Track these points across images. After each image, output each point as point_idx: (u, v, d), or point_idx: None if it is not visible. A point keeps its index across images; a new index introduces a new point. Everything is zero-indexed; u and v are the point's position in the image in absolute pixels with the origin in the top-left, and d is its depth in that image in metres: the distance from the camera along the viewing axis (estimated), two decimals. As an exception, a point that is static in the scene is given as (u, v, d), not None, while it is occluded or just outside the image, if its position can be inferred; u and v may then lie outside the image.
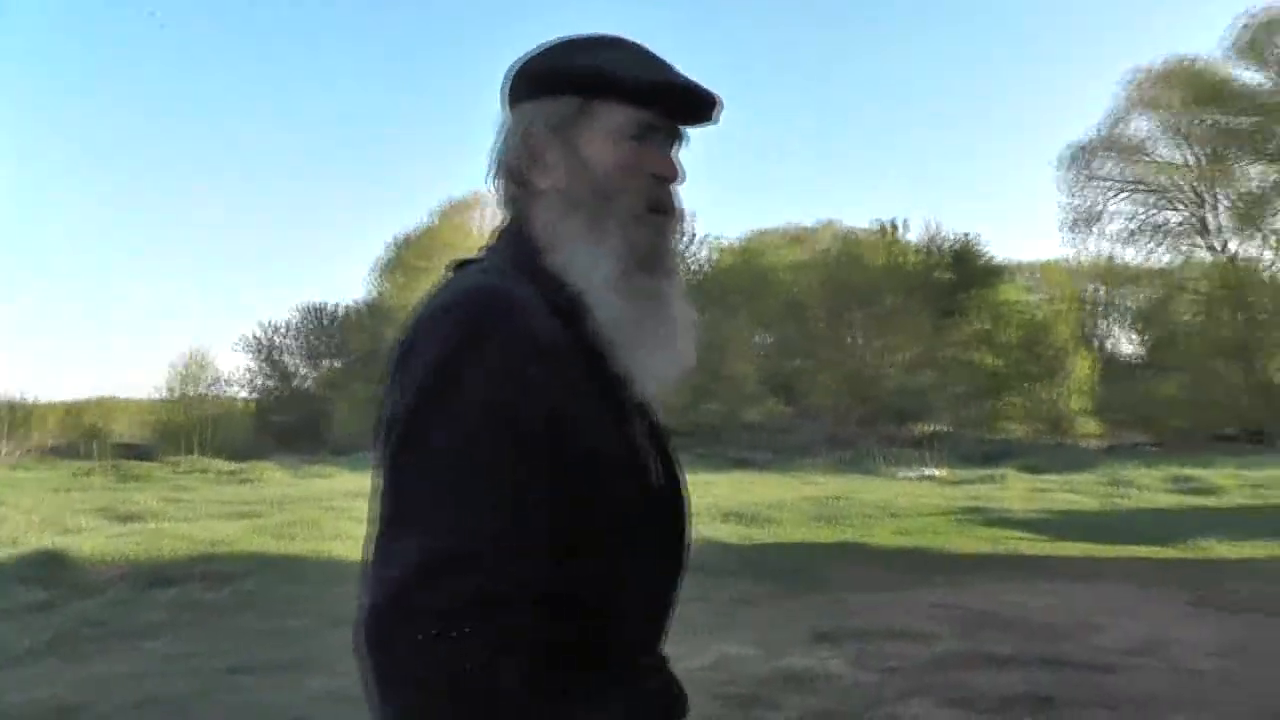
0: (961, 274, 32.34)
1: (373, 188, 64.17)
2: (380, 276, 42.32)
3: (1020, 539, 10.99)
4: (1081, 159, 33.97)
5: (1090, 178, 33.95)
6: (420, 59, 61.76)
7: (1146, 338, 36.11)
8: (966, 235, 33.70)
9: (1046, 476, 17.72)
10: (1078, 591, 8.19)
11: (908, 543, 11.21)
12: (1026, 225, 69.88)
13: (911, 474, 18.81)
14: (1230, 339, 30.83)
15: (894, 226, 34.42)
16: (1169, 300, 33.51)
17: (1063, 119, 69.27)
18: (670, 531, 1.29)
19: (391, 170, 63.14)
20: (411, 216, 64.51)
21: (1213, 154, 31.85)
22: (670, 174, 1.33)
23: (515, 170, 1.32)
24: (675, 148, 1.35)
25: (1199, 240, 33.19)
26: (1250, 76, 31.36)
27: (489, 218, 41.53)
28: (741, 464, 21.92)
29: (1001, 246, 38.31)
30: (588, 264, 1.24)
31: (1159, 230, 33.47)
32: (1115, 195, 33.85)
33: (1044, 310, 33.50)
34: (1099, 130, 33.89)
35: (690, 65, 1.38)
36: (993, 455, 22.86)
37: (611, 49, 1.33)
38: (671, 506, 1.29)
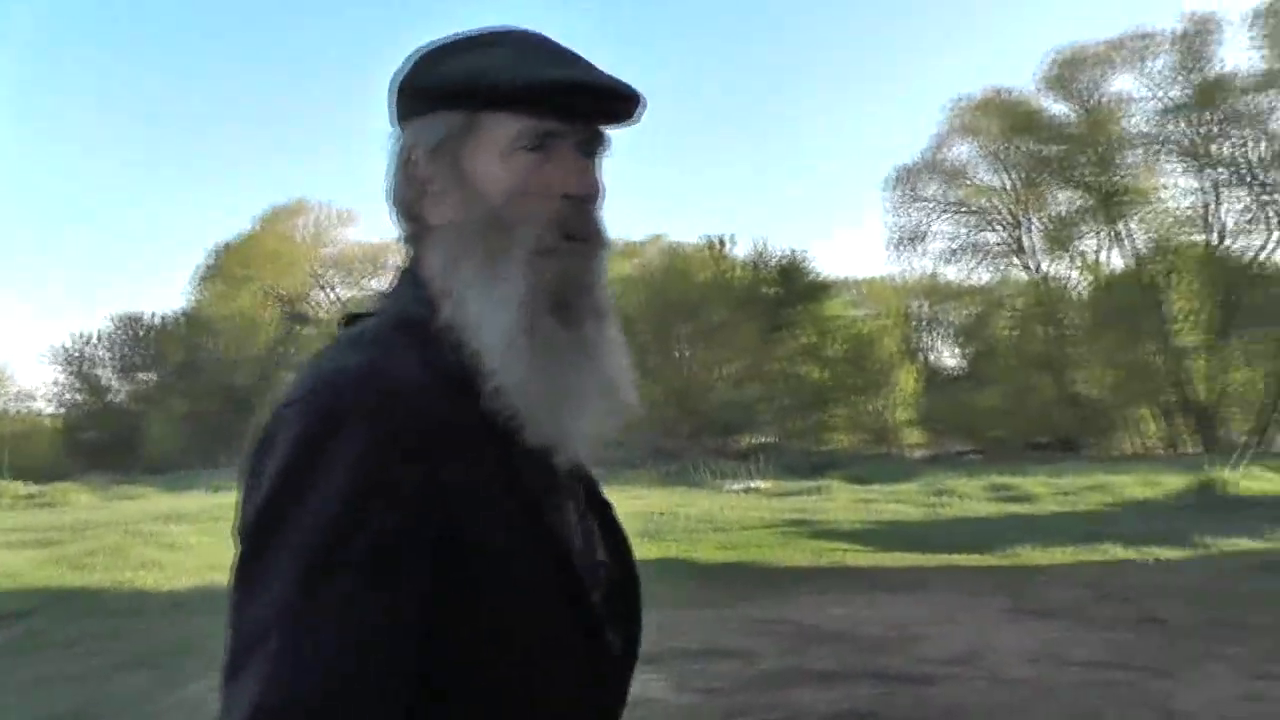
0: (788, 289, 32.91)
1: (197, 193, 61.56)
2: (199, 285, 40.56)
3: (845, 550, 11.08)
4: (907, 181, 35.28)
5: (915, 199, 35.27)
6: (245, 60, 59.60)
7: (967, 351, 37.68)
8: (793, 251, 34.39)
9: (871, 487, 18.08)
10: (901, 602, 8.25)
11: (732, 557, 11.14)
12: (855, 243, 72.25)
13: (737, 486, 18.83)
14: (1042, 353, 32.44)
15: (722, 242, 34.89)
16: (987, 316, 35.13)
17: (890, 142, 71.90)
18: (600, 662, 1.08)
19: (217, 176, 60.72)
20: (238, 224, 62.03)
21: (1027, 179, 33.47)
22: (583, 190, 1.09)
23: (405, 204, 1.12)
24: (595, 157, 1.12)
25: (1015, 260, 34.89)
26: (1059, 108, 33.18)
27: (313, 225, 40.35)
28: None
29: (829, 263, 39.58)
30: (483, 316, 1.04)
31: (979, 250, 34.98)
32: (938, 216, 35.24)
33: (870, 325, 34.42)
34: (923, 154, 35.30)
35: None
36: (819, 467, 23.21)
37: (491, 47, 1.10)
38: (602, 631, 1.08)
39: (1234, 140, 31.02)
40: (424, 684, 0.95)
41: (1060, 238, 33.17)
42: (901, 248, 35.83)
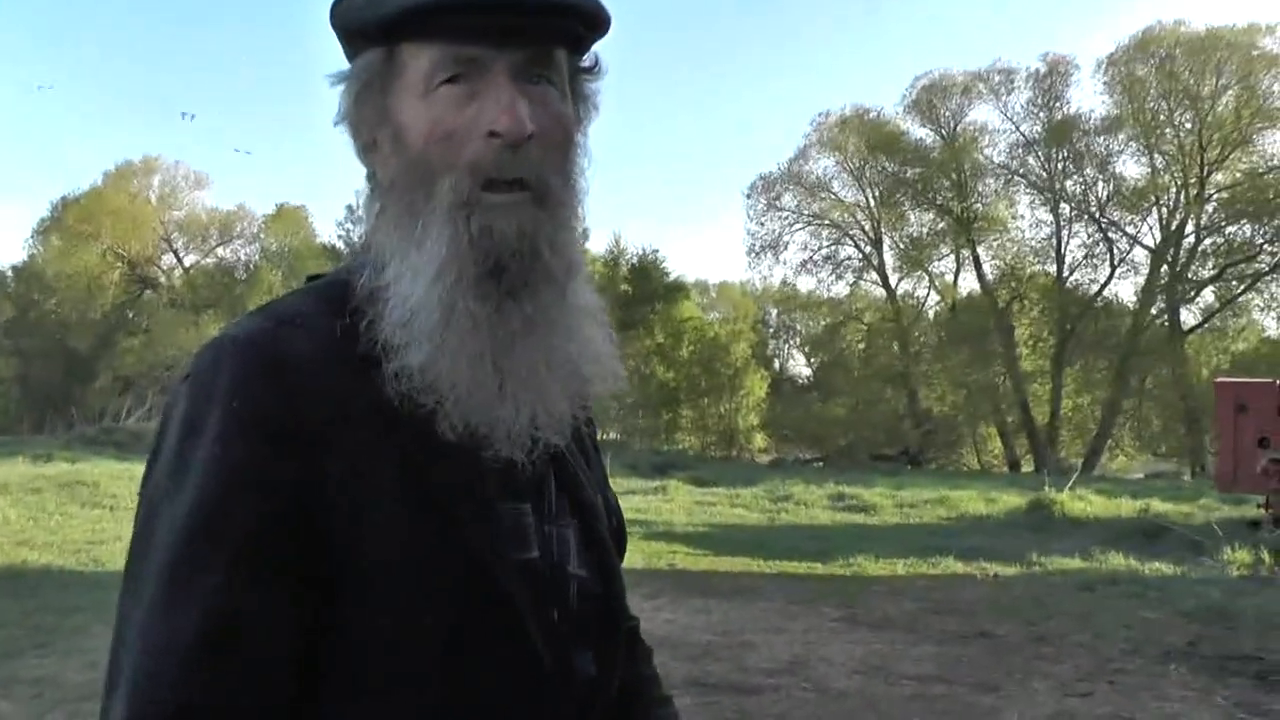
0: (642, 288, 32.78)
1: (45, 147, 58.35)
2: (38, 239, 37.99)
3: (680, 553, 10.84)
4: (768, 189, 35.72)
5: (774, 208, 35.72)
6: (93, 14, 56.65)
7: (817, 361, 38.34)
8: (649, 251, 34.32)
9: (713, 489, 17.93)
10: (733, 609, 8.02)
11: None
12: (711, 247, 73.02)
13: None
14: (891, 367, 33.30)
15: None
16: (839, 328, 35.73)
17: (753, 151, 73.05)
18: (563, 687, 0.95)
19: (68, 131, 57.61)
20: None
21: (885, 198, 34.21)
22: (509, 125, 0.89)
23: (361, 160, 0.99)
24: (547, 85, 0.94)
25: (870, 275, 35.57)
26: (921, 132, 34.08)
27: (164, 185, 38.34)
28: None
29: (685, 264, 39.72)
30: (397, 285, 0.91)
31: (834, 263, 35.63)
32: (796, 227, 35.73)
33: (723, 329, 34.56)
34: (786, 164, 35.76)
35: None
36: (661, 467, 22.91)
37: None
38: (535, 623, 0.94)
39: (1081, 178, 32.37)
40: (301, 690, 0.87)
41: (915, 257, 34.04)
42: (759, 255, 36.43)
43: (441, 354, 0.89)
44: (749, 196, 36.01)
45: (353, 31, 0.96)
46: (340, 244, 33.18)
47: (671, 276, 34.18)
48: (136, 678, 0.82)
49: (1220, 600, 8.53)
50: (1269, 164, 30.44)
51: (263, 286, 35.43)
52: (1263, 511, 12.44)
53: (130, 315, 37.17)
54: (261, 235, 38.46)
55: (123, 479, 14.25)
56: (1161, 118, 30.88)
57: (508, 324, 0.91)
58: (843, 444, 31.13)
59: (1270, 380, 13.80)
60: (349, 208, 33.30)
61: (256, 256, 38.15)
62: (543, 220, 0.93)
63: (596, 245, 34.54)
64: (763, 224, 35.79)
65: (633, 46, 60.93)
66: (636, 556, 10.71)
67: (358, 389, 0.89)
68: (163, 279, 38.24)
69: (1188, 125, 30.61)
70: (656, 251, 34.01)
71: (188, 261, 38.71)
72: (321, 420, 0.87)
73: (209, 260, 38.79)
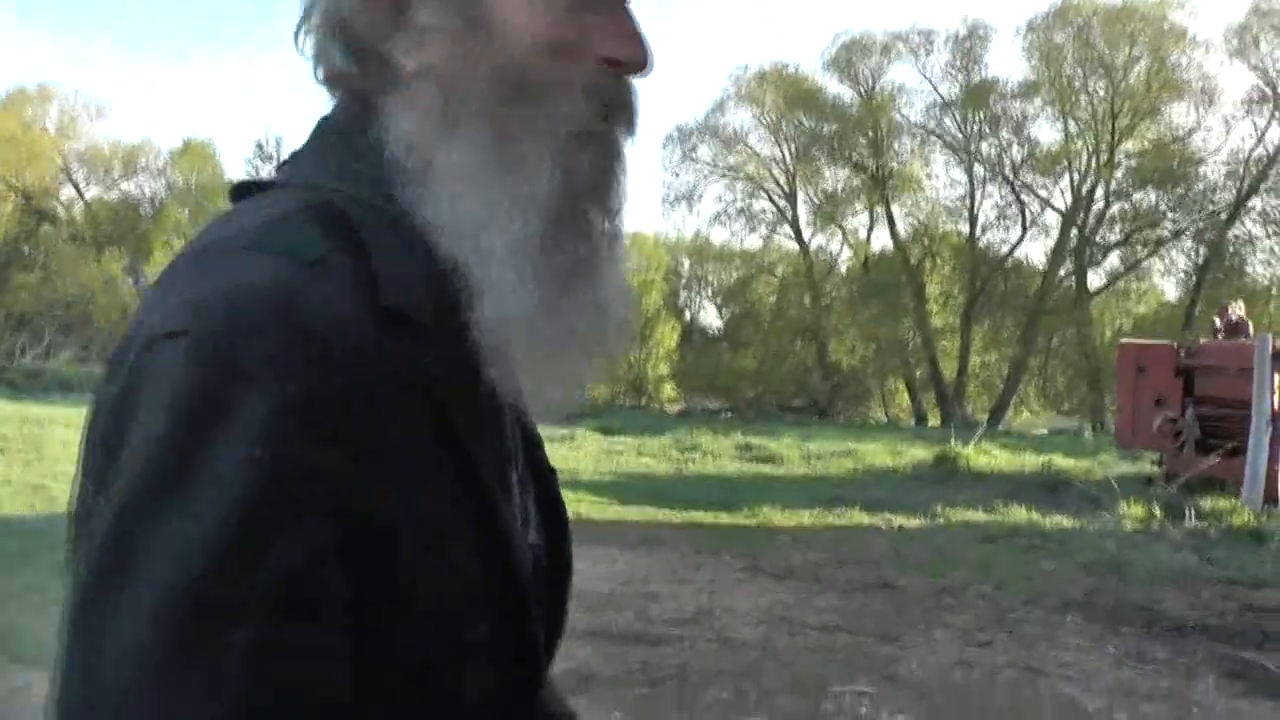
0: None
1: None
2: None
3: (586, 502, 10.73)
4: (684, 141, 35.42)
5: (690, 159, 35.45)
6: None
7: (729, 313, 38.47)
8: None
9: (621, 438, 17.78)
10: (637, 559, 7.94)
11: (472, 504, 10.60)
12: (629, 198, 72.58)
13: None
14: (801, 320, 33.55)
15: None
16: (751, 280, 35.85)
17: (671, 103, 72.62)
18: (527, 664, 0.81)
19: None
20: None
21: (801, 153, 34.26)
22: (639, 57, 0.80)
23: (356, 30, 0.76)
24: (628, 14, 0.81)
25: (783, 229, 35.65)
26: (839, 89, 34.09)
27: (61, 114, 36.57)
28: None
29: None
30: (483, 218, 0.74)
31: (748, 216, 35.54)
32: (712, 178, 35.61)
33: (636, 279, 34.27)
34: (702, 117, 35.50)
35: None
36: (570, 415, 22.75)
37: None
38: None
39: (996, 141, 32.77)
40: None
41: (829, 213, 34.20)
42: (673, 206, 36.32)
43: (533, 306, 0.75)
44: (665, 147, 35.79)
45: None
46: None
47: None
48: None
49: (1115, 553, 8.72)
50: (1175, 134, 31.14)
51: (169, 223, 34.32)
52: (1157, 468, 12.80)
53: (26, 250, 35.59)
54: (168, 170, 37.05)
55: (13, 420, 13.80)
56: (1076, 85, 31.33)
57: (587, 270, 0.79)
58: (751, 395, 31.37)
59: (1168, 343, 14.15)
60: (259, 144, 32.30)
61: (163, 192, 36.73)
62: (625, 158, 0.83)
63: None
64: (678, 175, 35.56)
65: None
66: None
67: (398, 357, 0.70)
68: (61, 212, 36.59)
69: (1101, 93, 31.13)
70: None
71: (89, 195, 37.02)
72: (369, 398, 0.68)
73: (112, 195, 37.13)
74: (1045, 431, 25.41)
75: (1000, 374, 32.10)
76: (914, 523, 10.10)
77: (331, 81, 0.82)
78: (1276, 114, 29.50)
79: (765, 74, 33.70)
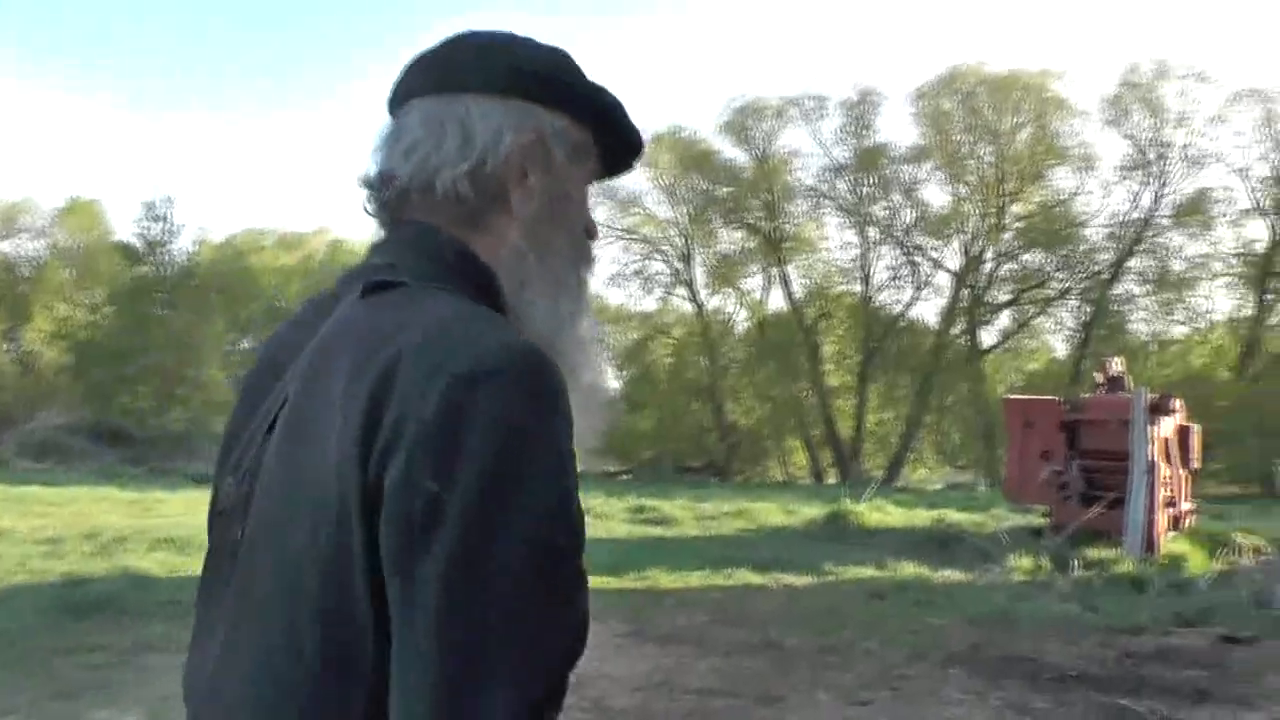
0: None
1: None
2: None
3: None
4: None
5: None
6: None
7: (626, 375, 38.36)
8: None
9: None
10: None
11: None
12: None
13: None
14: (698, 381, 33.63)
15: None
16: (648, 342, 35.81)
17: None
18: None
19: None
20: None
21: (696, 215, 34.55)
22: (596, 234, 1.23)
23: (491, 178, 1.08)
24: None
25: (680, 291, 35.81)
26: (734, 152, 34.57)
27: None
28: (203, 480, 19.32)
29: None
30: (560, 319, 1.09)
31: (644, 277, 35.59)
32: (607, 240, 35.52)
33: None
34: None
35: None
36: None
37: (608, 94, 1.18)
38: None
39: (888, 203, 33.50)
40: None
41: (725, 274, 34.47)
42: (568, 268, 35.75)
43: (601, 373, 1.15)
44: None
45: (582, 104, 1.13)
46: (138, 242, 30.97)
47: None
48: (523, 687, 0.84)
49: (1003, 604, 8.70)
50: (1059, 198, 32.22)
51: (51, 284, 33.04)
52: (1045, 520, 12.93)
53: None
54: (51, 230, 35.65)
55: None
56: (965, 150, 32.25)
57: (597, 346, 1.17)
58: (649, 456, 31.15)
59: (1053, 398, 14.40)
60: (146, 204, 31.15)
61: (45, 252, 35.28)
62: None
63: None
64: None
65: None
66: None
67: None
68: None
69: (988, 158, 32.09)
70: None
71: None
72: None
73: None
74: (940, 486, 25.70)
75: (897, 431, 32.48)
76: (803, 581, 9.97)
77: (439, 206, 1.07)
78: (1148, 180, 30.75)
79: (661, 137, 34.06)
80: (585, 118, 1.13)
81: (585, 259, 1.16)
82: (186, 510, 14.23)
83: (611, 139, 1.16)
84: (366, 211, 1.13)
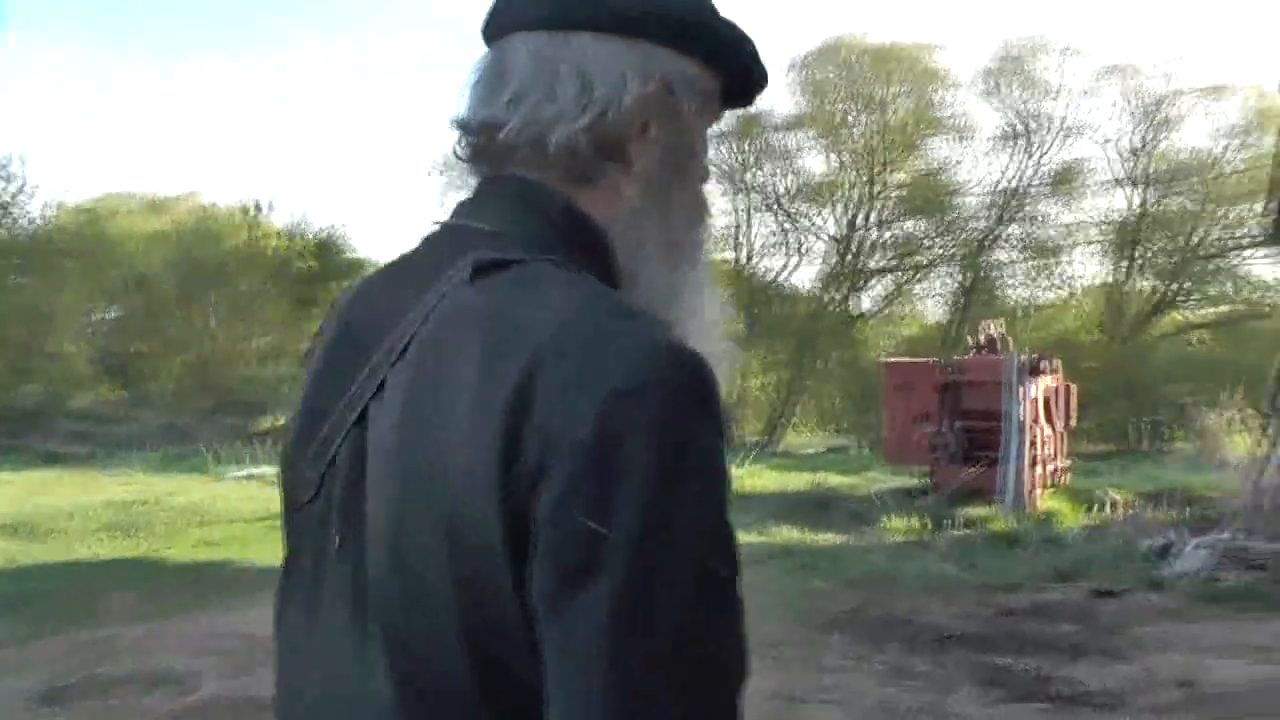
0: (325, 265, 30.74)
1: None
2: None
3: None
4: (455, 168, 34.47)
5: (461, 186, 34.26)
6: None
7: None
8: (332, 226, 32.31)
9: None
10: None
11: (210, 555, 9.71)
12: (407, 228, 71.55)
13: (240, 473, 16.79)
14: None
15: (257, 207, 31.83)
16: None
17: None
18: None
19: None
20: None
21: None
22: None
23: (611, 131, 0.96)
24: None
25: (558, 256, 35.40)
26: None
27: None
28: (55, 459, 18.07)
29: (377, 246, 37.79)
30: (677, 287, 1.00)
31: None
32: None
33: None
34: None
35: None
36: None
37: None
38: None
39: (766, 171, 33.66)
40: None
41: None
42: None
43: (720, 345, 1.02)
44: (432, 175, 35.01)
45: (712, 43, 1.02)
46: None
47: (358, 254, 32.19)
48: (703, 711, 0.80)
49: (883, 565, 8.70)
50: (936, 167, 32.83)
51: None
52: (924, 481, 13.09)
53: None
54: None
55: None
56: (844, 119, 32.57)
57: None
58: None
59: (930, 361, 14.56)
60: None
61: None
62: None
63: (279, 218, 32.50)
64: (449, 202, 34.80)
65: (323, 23, 58.56)
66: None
67: None
68: None
69: (868, 128, 32.45)
70: (343, 226, 32.25)
71: None
72: None
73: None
74: (818, 451, 26.01)
75: (776, 396, 32.80)
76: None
77: (550, 160, 0.95)
78: (1023, 151, 31.52)
79: (539, 100, 33.58)
80: (719, 66, 1.02)
81: (703, 216, 1.06)
82: (29, 492, 13.43)
83: (740, 83, 1.06)
84: (458, 157, 1.03)
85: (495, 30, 1.01)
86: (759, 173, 33.63)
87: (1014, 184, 31.69)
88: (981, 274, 31.75)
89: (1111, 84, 30.46)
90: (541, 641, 0.79)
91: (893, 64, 31.80)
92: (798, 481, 14.65)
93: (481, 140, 0.99)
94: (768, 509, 11.91)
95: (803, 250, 33.72)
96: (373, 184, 60.34)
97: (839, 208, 33.27)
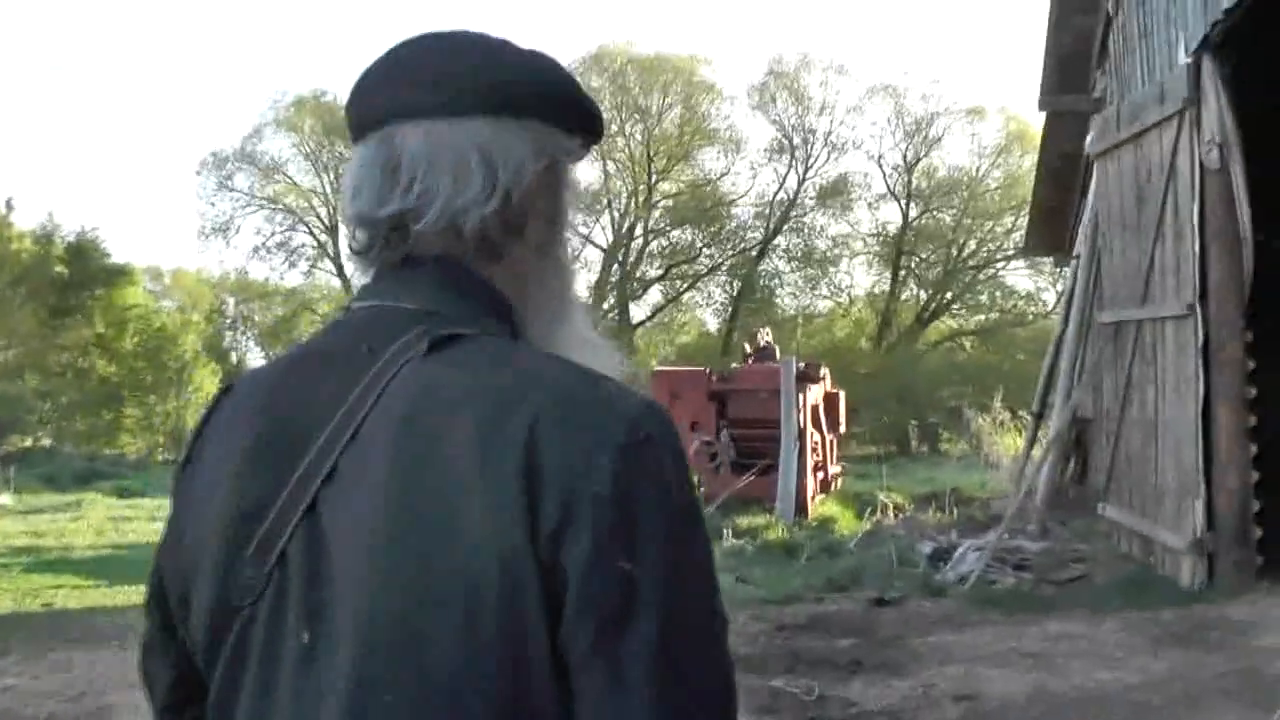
0: (79, 271, 28.14)
1: None
2: None
3: (68, 587, 8.90)
4: (220, 168, 33.10)
5: (226, 189, 33.20)
6: None
7: (273, 354, 36.01)
8: (86, 229, 29.61)
9: (138, 501, 15.52)
10: (101, 659, 6.34)
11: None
12: (170, 231, 67.75)
13: (-19, 500, 15.01)
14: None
15: (6, 208, 29.20)
16: (293, 318, 33.86)
17: (215, 129, 68.87)
18: None
19: None
20: None
21: (340, 185, 32.80)
22: None
23: (514, 211, 1.01)
24: None
25: (326, 265, 34.04)
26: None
27: None
28: None
29: (136, 250, 35.45)
30: (576, 334, 1.08)
31: (288, 249, 33.79)
32: (249, 209, 33.48)
33: (171, 319, 30.61)
34: (239, 143, 33.41)
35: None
36: (86, 476, 19.44)
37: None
38: None
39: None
40: None
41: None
42: (209, 238, 34.00)
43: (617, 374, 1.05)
44: (199, 174, 33.30)
45: (588, 121, 1.09)
46: None
47: (115, 259, 29.61)
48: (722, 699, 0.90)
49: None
50: (708, 178, 33.37)
51: None
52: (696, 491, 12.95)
53: None
54: None
55: None
56: (614, 128, 32.60)
57: None
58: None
59: (701, 369, 14.47)
60: None
61: None
62: None
63: (26, 221, 29.57)
64: (214, 205, 33.11)
65: (87, 19, 54.34)
66: (6, 599, 8.57)
67: None
68: None
69: (638, 137, 32.64)
70: (96, 229, 29.56)
71: None
72: None
73: None
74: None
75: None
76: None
77: (462, 241, 0.99)
78: (793, 163, 32.45)
79: (304, 100, 32.02)
80: (591, 137, 1.09)
81: (574, 267, 1.14)
82: None
83: (592, 141, 1.11)
84: (353, 250, 1.04)
85: (370, 121, 1.01)
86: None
87: (786, 195, 32.61)
88: (755, 282, 32.44)
89: (877, 103, 31.85)
90: (578, 687, 0.85)
91: (661, 75, 32.12)
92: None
93: (389, 232, 0.99)
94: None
95: (575, 258, 33.62)
96: (136, 181, 56.53)
97: (611, 216, 33.33)
